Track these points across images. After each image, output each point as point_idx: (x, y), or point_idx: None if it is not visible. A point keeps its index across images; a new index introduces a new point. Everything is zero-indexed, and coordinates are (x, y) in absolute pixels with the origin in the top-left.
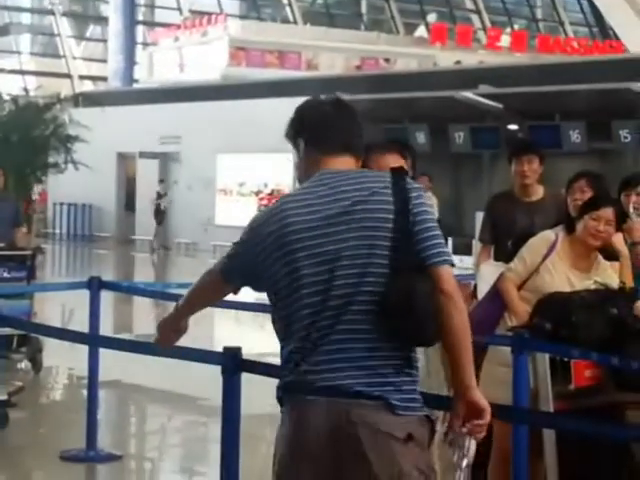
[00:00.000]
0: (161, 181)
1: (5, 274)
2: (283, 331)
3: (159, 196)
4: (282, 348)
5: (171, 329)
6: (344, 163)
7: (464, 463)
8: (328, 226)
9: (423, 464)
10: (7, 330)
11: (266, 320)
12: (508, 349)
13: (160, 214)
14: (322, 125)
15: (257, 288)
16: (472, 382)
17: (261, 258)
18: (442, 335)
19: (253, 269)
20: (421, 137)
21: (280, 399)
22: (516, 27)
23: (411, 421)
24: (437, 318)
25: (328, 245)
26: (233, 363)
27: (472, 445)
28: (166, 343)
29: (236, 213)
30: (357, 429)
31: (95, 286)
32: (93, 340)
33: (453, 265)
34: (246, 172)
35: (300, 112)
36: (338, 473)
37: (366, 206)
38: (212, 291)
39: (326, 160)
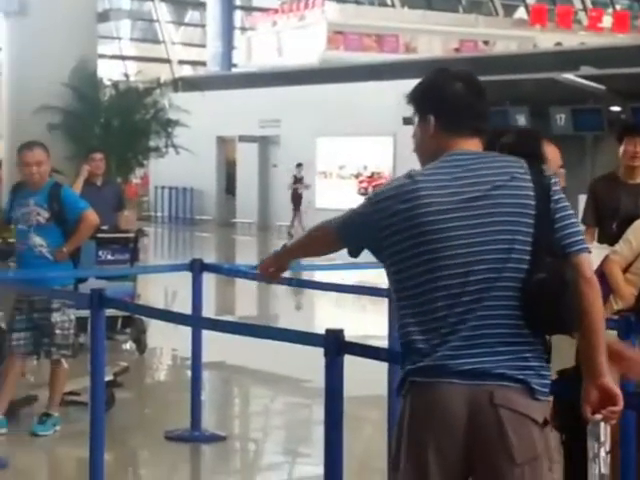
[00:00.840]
0: (298, 165)
1: (109, 256)
2: (411, 313)
3: (296, 180)
4: (408, 332)
5: (274, 264)
6: (473, 145)
7: (602, 452)
8: (467, 209)
9: (553, 450)
10: (112, 312)
11: (368, 302)
12: (614, 333)
13: (297, 199)
14: (456, 106)
15: (376, 256)
16: (606, 368)
17: (386, 233)
18: (580, 321)
19: (372, 240)
20: (522, 119)
21: (405, 383)
22: (618, 7)
23: (545, 406)
24: (577, 305)
25: (467, 229)
26: (336, 345)
27: (608, 432)
28: (266, 274)
29: (336, 196)
30: (499, 411)
31: (197, 268)
32: (196, 322)
33: (590, 252)
34: (346, 155)
35: (432, 86)
36: (476, 455)
37: (507, 191)
38: (323, 244)
39: (456, 141)
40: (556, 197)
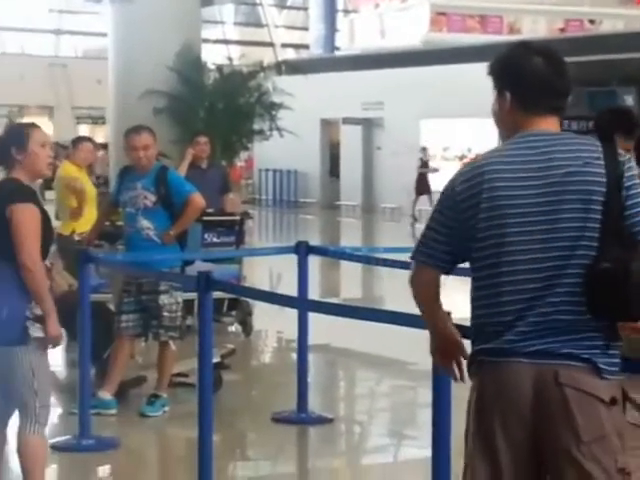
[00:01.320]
0: (423, 149)
1: (215, 239)
2: (480, 296)
3: (423, 164)
4: (478, 315)
5: (446, 352)
6: (550, 124)
7: None
8: (537, 196)
9: (621, 429)
10: (218, 294)
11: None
12: None
13: (423, 182)
14: (534, 83)
15: (465, 257)
16: None
17: (472, 223)
18: None
19: (461, 237)
20: (629, 100)
21: (474, 362)
22: None
23: (614, 385)
24: None
25: (537, 215)
26: None
27: None
28: (450, 370)
29: (440, 178)
30: (564, 390)
31: (303, 250)
32: (302, 304)
33: None
34: (450, 137)
35: (510, 60)
36: (541, 434)
37: (580, 177)
38: (431, 287)
39: (532, 120)
40: (629, 183)
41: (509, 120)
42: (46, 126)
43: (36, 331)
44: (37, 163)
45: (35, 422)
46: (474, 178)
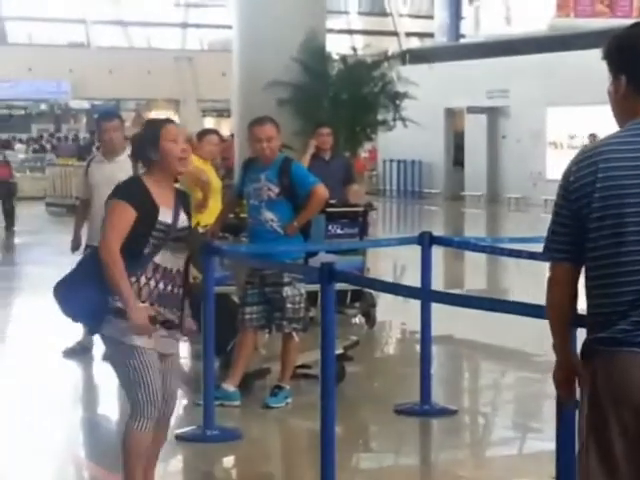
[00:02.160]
0: (592, 135)
1: (338, 230)
2: (595, 285)
3: None
4: (593, 304)
5: (567, 372)
6: None
7: None
8: None
9: None
10: (342, 285)
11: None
12: None
13: None
14: None
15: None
16: None
17: (586, 212)
18: None
19: (578, 228)
20: None
21: (587, 352)
22: None
23: None
24: None
25: None
26: None
27: None
28: (565, 396)
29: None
30: None
31: (426, 241)
32: (425, 295)
33: None
34: (577, 124)
35: (626, 42)
36: None
37: None
38: (565, 288)
39: None
40: None
41: (625, 105)
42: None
43: (122, 323)
44: (169, 160)
45: (138, 417)
46: (587, 167)
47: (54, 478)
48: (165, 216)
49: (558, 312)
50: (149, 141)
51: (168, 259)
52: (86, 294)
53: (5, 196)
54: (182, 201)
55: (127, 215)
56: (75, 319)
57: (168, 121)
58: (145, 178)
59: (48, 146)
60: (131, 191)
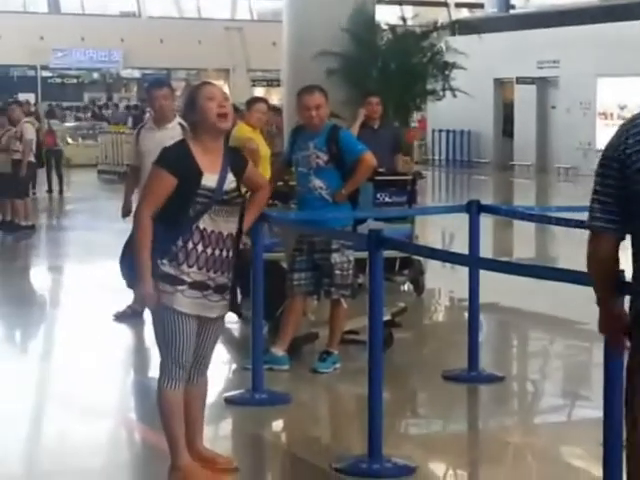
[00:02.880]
0: None
1: (387, 199)
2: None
3: None
4: (635, 276)
5: (612, 325)
6: None
7: None
8: None
9: None
10: (390, 253)
11: None
12: None
13: None
14: None
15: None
16: None
17: (623, 183)
18: None
19: (627, 198)
20: None
21: (631, 321)
22: None
23: None
24: None
25: None
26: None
27: None
28: (617, 343)
29: None
30: None
31: (474, 209)
32: (473, 261)
33: None
34: (627, 95)
35: None
36: None
37: None
38: (607, 256)
39: None
40: None
41: None
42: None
43: (166, 287)
44: (207, 117)
45: (166, 377)
46: (635, 136)
47: (107, 441)
48: (209, 180)
49: (601, 266)
50: (187, 103)
51: (217, 223)
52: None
53: (55, 163)
54: (232, 161)
55: (165, 183)
56: (128, 283)
57: (205, 83)
58: (192, 142)
59: (100, 114)
60: (173, 157)
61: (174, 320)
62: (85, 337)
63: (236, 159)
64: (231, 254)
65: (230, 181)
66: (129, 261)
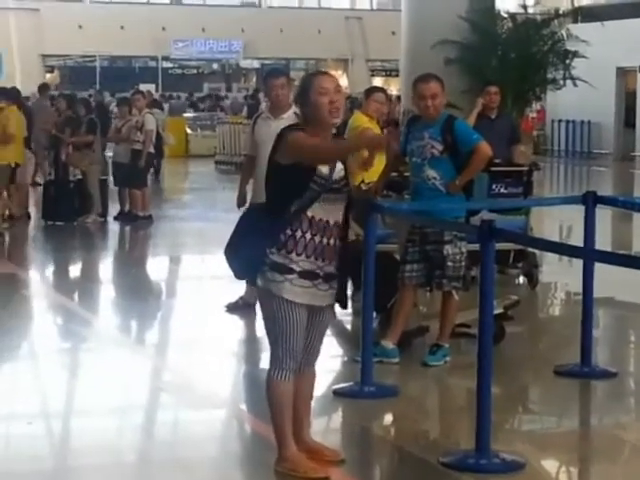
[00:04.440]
0: None
1: (502, 190)
2: None
3: None
4: None
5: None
6: None
7: None
8: None
9: None
10: (505, 245)
11: None
12: None
13: None
14: None
15: None
16: None
17: None
18: None
19: None
20: None
21: None
22: None
23: None
24: None
25: None
26: None
27: None
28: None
29: None
30: None
31: (590, 201)
32: (588, 253)
33: None
34: None
35: None
36: None
37: None
38: None
39: None
40: None
41: None
42: (341, 79)
43: (275, 276)
44: (318, 112)
45: (276, 367)
46: None
47: (218, 431)
48: (323, 167)
49: None
50: (300, 94)
51: (325, 211)
52: (245, 249)
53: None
54: None
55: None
56: (237, 275)
57: (319, 73)
58: (305, 130)
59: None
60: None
61: (284, 309)
62: (197, 328)
63: None
64: (338, 243)
65: (339, 169)
66: (237, 253)
